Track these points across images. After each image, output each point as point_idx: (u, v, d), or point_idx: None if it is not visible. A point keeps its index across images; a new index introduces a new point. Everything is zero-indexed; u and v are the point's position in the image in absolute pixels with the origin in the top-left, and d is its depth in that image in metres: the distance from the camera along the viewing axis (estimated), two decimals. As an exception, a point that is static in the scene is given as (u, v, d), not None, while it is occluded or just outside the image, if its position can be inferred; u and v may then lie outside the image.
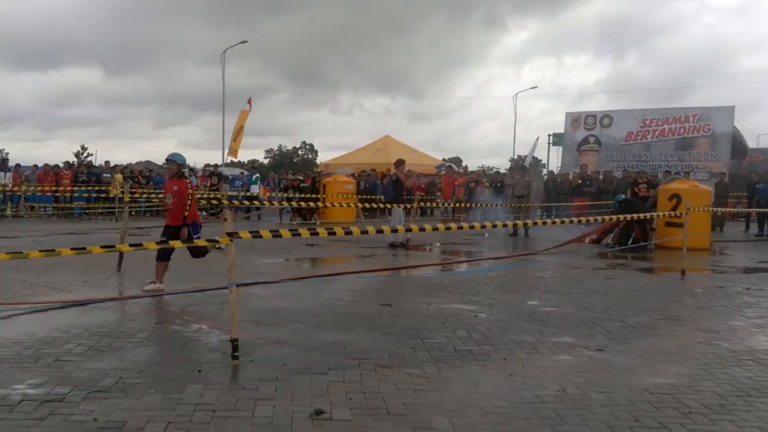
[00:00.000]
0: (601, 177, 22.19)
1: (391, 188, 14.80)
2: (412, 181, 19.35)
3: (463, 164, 46.35)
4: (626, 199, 16.19)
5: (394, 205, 14.28)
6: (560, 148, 34.30)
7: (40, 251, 4.88)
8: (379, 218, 23.05)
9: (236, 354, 5.20)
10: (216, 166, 27.76)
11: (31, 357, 5.24)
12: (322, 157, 75.71)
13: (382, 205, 20.12)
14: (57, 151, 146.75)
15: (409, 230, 7.70)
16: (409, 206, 15.19)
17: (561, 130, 32.60)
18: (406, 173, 16.25)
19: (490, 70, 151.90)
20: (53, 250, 4.93)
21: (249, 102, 34.55)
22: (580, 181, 21.40)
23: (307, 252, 13.61)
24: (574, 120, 30.17)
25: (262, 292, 8.41)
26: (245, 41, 41.45)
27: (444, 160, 37.31)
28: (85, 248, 4.80)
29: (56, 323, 6.43)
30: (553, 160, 47.01)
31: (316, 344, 5.83)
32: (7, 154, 54.91)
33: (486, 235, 18.20)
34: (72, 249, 4.80)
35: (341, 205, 19.47)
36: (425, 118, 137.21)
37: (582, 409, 4.34)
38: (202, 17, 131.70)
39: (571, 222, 10.28)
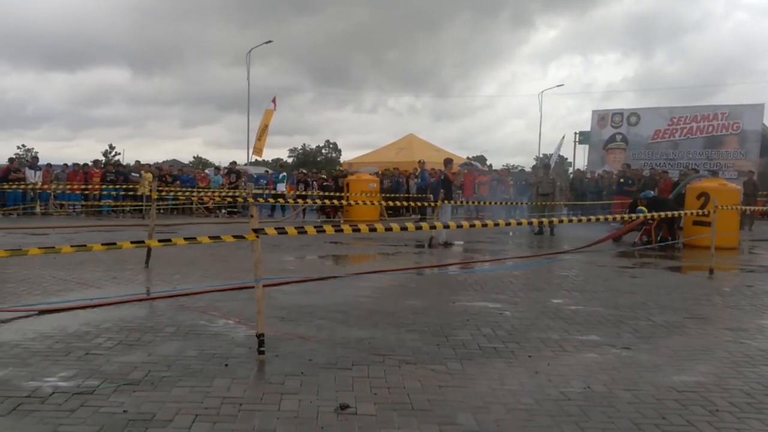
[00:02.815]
0: (646, 173, 21.89)
1: (440, 187, 14.82)
2: (460, 179, 19.33)
3: (488, 163, 46.27)
4: (655, 197, 16.00)
5: (445, 202, 14.29)
6: (586, 146, 34.06)
7: (71, 246, 4.97)
8: (403, 217, 23.11)
9: (262, 349, 5.25)
10: (234, 163, 27.88)
11: (61, 351, 5.34)
12: (346, 156, 75.88)
13: (405, 204, 20.20)
14: (85, 150, 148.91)
15: (433, 227, 7.70)
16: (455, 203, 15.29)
17: (587, 128, 32.33)
18: (454, 172, 16.25)
19: (515, 68, 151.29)
20: (84, 245, 5.02)
21: (274, 101, 34.79)
22: (621, 180, 21.19)
23: (331, 249, 13.66)
24: (601, 118, 29.93)
25: (287, 289, 8.47)
26: (270, 41, 41.90)
27: (468, 158, 37.18)
28: (115, 243, 4.88)
29: (87, 318, 6.55)
30: (579, 159, 46.69)
31: (341, 340, 5.87)
32: (37, 153, 55.84)
33: (511, 233, 18.15)
34: (102, 244, 4.89)
35: (365, 203, 19.48)
36: (450, 116, 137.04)
37: (608, 407, 4.33)
38: (229, 17, 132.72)
39: (597, 220, 10.23)
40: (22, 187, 21.83)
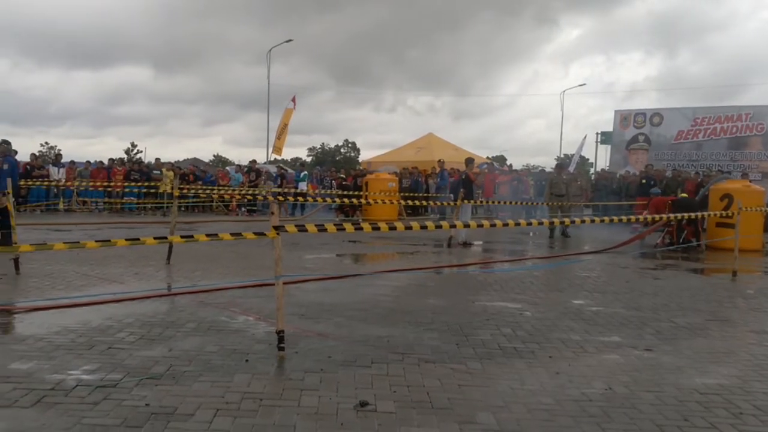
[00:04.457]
0: (668, 174, 21.69)
1: (461, 186, 14.79)
2: (481, 179, 19.26)
3: (508, 162, 46.06)
4: (681, 198, 15.81)
5: (465, 202, 14.26)
6: (608, 146, 33.82)
7: (96, 241, 5.03)
8: (423, 216, 23.08)
9: (282, 345, 5.27)
10: (254, 162, 28.03)
11: (85, 344, 5.39)
12: (365, 155, 75.94)
13: (425, 203, 20.17)
14: (108, 148, 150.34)
15: (453, 226, 7.68)
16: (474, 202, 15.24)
17: (609, 128, 32.13)
18: (475, 172, 16.22)
19: (537, 66, 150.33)
20: (108, 241, 5.07)
21: (293, 100, 34.90)
22: (644, 181, 21.01)
23: (350, 248, 13.68)
24: (623, 118, 29.71)
25: (307, 286, 8.49)
26: (290, 40, 41.97)
27: (488, 158, 37.06)
28: (138, 239, 4.93)
29: (109, 313, 6.62)
30: (601, 159, 46.33)
31: (360, 338, 5.88)
32: (60, 150, 56.46)
33: (531, 234, 18.07)
34: (126, 239, 4.94)
35: (384, 202, 19.48)
36: (470, 115, 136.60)
37: (630, 408, 4.29)
38: (251, 16, 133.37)
39: (611, 221, 10.14)
40: (46, 183, 22.09)
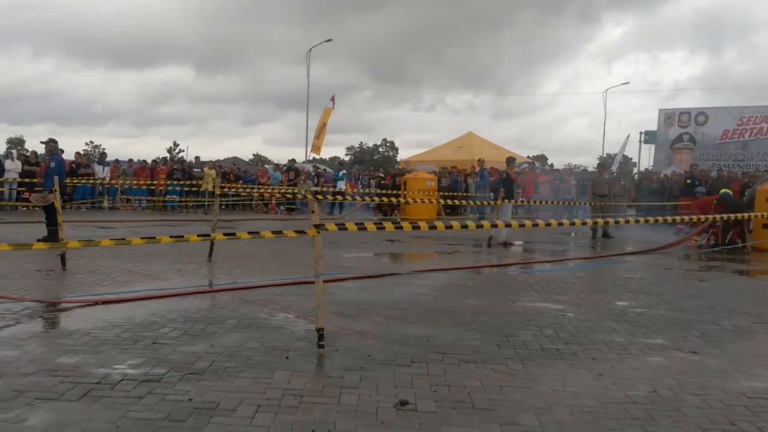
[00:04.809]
0: (714, 174, 21.26)
1: (501, 185, 14.70)
2: (522, 178, 19.11)
3: (549, 162, 45.60)
4: (729, 198, 15.43)
5: (505, 201, 14.17)
6: (652, 146, 33.27)
7: (141, 238, 5.11)
8: (461, 216, 22.98)
9: (321, 343, 5.30)
10: (293, 161, 28.26)
11: (129, 339, 5.49)
12: (403, 154, 75.94)
13: (464, 203, 20.09)
14: (150, 147, 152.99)
15: (494, 225, 7.63)
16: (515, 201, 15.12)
17: (653, 127, 31.59)
18: (516, 171, 16.11)
19: (579, 65, 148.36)
20: (153, 237, 5.16)
21: (332, 99, 35.07)
22: (689, 181, 20.62)
23: (389, 247, 13.67)
24: (668, 117, 29.22)
25: (345, 285, 8.51)
26: (330, 39, 42.06)
27: (529, 157, 36.73)
28: (182, 236, 5.00)
29: (153, 308, 6.73)
30: (644, 159, 45.53)
31: (399, 337, 5.87)
32: (104, 149, 57.51)
33: (572, 234, 17.86)
34: (171, 237, 5.01)
35: (423, 201, 19.44)
36: (510, 114, 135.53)
37: (674, 411, 4.21)
38: (291, 17, 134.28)
39: (656, 221, 9.96)
40: (91, 181, 22.56)
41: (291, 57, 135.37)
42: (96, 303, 6.91)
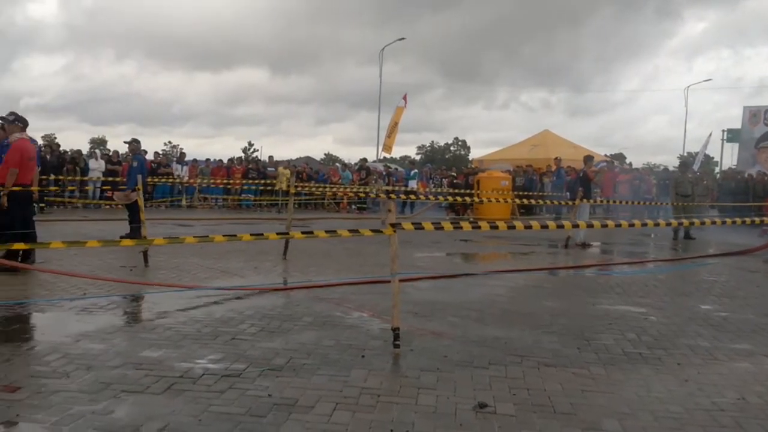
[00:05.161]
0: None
1: (578, 185, 14.40)
2: (600, 177, 18.68)
3: (627, 161, 44.41)
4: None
5: (583, 201, 13.88)
6: (735, 144, 31.97)
7: (223, 236, 5.20)
8: (537, 215, 22.61)
9: (397, 343, 5.27)
10: (364, 160, 28.45)
11: (210, 335, 5.60)
12: (475, 153, 75.31)
13: (539, 202, 19.75)
14: (225, 147, 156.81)
15: (576, 226, 7.44)
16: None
17: (736, 125, 30.36)
18: (593, 170, 15.76)
19: (659, 61, 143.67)
20: (234, 235, 5.24)
21: (404, 98, 35.01)
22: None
23: (462, 247, 13.56)
24: (753, 115, 28.01)
25: (419, 284, 8.47)
26: (403, 38, 42.03)
27: (606, 156, 35.79)
28: (262, 234, 5.06)
29: (231, 305, 6.85)
30: (727, 158, 43.78)
31: (475, 338, 5.79)
32: (182, 149, 59.16)
33: (652, 235, 17.32)
34: (251, 234, 5.08)
35: (497, 201, 19.20)
36: (586, 112, 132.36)
37: (765, 419, 4.01)
38: (364, 17, 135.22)
39: (743, 222, 9.51)
40: (171, 180, 23.24)
41: (363, 57, 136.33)
42: (177, 298, 7.07)
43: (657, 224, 7.10)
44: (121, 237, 11.45)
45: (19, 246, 7.37)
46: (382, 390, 4.36)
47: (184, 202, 23.42)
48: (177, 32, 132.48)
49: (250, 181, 23.96)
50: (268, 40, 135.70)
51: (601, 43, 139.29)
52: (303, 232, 5.54)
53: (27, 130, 9.15)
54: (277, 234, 5.35)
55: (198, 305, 6.82)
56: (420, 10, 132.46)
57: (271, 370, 4.67)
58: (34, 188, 9.54)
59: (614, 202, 19.02)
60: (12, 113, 9.04)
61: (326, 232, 5.35)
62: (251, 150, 73.68)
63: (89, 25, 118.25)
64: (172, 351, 5.10)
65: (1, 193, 8.57)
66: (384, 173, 26.30)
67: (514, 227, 6.33)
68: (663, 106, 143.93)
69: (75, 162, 21.45)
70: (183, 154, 27.55)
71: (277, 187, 23.38)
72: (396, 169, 31.29)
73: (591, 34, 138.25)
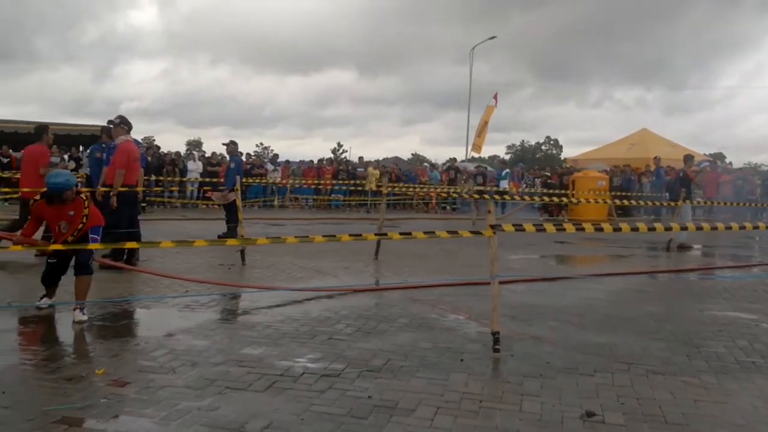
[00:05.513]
0: None
1: (679, 185, 13.85)
2: (701, 177, 17.91)
3: (727, 160, 42.39)
4: None
5: (686, 202, 13.33)
6: None
7: (322, 236, 5.24)
8: (634, 217, 21.84)
9: (497, 347, 5.16)
10: (453, 159, 28.39)
11: (308, 334, 5.65)
12: (567, 153, 73.63)
13: (640, 203, 19.05)
14: (314, 148, 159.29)
15: (684, 228, 7.12)
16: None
17: None
18: (694, 170, 15.11)
19: (761, 57, 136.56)
20: (334, 236, 5.26)
21: (495, 97, 34.62)
22: None
23: (558, 249, 13.24)
24: None
25: (515, 287, 8.28)
26: (493, 37, 41.56)
27: (706, 155, 34.26)
28: (360, 235, 5.07)
29: (327, 304, 6.91)
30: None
31: (577, 344, 5.60)
32: (273, 150, 60.54)
33: (757, 238, 16.42)
34: (350, 235, 5.09)
35: (595, 202, 18.61)
36: (684, 110, 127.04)
37: None
38: (453, 16, 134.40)
39: None
40: (264, 181, 23.77)
41: (452, 56, 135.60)
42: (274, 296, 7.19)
43: (756, 227, 6.70)
44: (219, 236, 11.77)
45: (132, 245, 7.66)
46: (484, 395, 4.26)
47: (276, 202, 23.91)
48: (269, 36, 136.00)
49: (340, 182, 24.23)
50: (357, 42, 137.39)
51: (698, 38, 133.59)
52: (400, 233, 5.50)
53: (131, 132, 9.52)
54: (376, 235, 5.34)
55: (294, 304, 6.91)
56: (510, 8, 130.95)
57: (370, 372, 4.65)
58: (139, 188, 9.91)
59: (716, 203, 18.13)
60: (119, 117, 9.43)
61: (424, 233, 5.30)
62: (340, 151, 74.60)
63: (186, 31, 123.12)
64: (272, 349, 5.17)
65: (111, 193, 8.95)
66: (475, 173, 26.05)
67: (619, 229, 6.09)
68: (764, 103, 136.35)
69: (174, 163, 22.31)
70: (276, 156, 28.18)
71: (366, 188, 23.55)
72: (485, 168, 30.97)
73: (687, 29, 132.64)
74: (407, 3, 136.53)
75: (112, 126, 9.65)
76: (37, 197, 6.09)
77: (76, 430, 3.60)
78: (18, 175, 18.13)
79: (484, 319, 6.20)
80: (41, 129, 9.74)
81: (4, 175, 17.91)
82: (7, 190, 15.21)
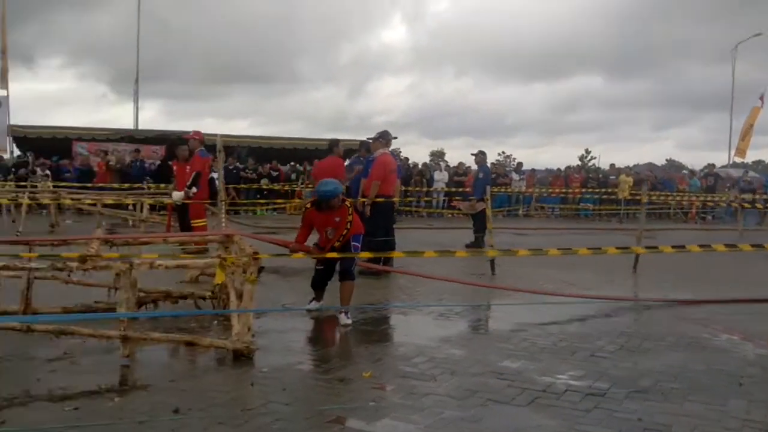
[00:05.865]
0: None
1: None
2: None
3: None
4: None
5: None
6: None
7: (587, 248, 5.09)
8: None
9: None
10: (712, 165, 26.12)
11: (566, 349, 5.50)
12: None
13: None
14: (555, 156, 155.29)
15: None
16: None
17: None
18: None
19: None
20: (599, 248, 5.09)
21: (761, 98, 31.24)
22: None
23: None
24: None
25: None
26: (759, 34, 37.55)
27: None
28: (628, 248, 4.84)
29: (585, 319, 6.69)
30: None
31: None
32: (515, 159, 60.16)
33: None
34: (617, 248, 4.89)
35: None
36: None
37: None
38: (712, 12, 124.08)
39: None
40: (509, 191, 23.70)
41: (710, 55, 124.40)
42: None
43: None
44: (466, 245, 11.95)
45: (397, 254, 8.11)
46: (766, 424, 3.84)
47: (520, 212, 23.71)
48: (510, 46, 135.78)
49: (590, 190, 23.40)
50: (603, 45, 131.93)
51: None
52: (674, 247, 5.16)
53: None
54: (646, 248, 5.06)
55: (550, 318, 6.72)
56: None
57: (637, 393, 4.40)
58: (395, 198, 10.39)
59: None
60: (379, 132, 9.97)
61: (700, 246, 4.92)
62: (588, 157, 72.13)
63: (432, 46, 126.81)
64: (531, 363, 5.10)
65: (366, 203, 9.48)
66: (740, 180, 23.78)
67: None
68: None
69: (422, 174, 23.12)
70: (520, 164, 27.93)
71: (619, 196, 22.46)
72: (746, 172, 28.11)
73: None
74: (658, 1, 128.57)
75: (370, 141, 10.24)
76: (308, 205, 6.63)
77: (349, 430, 3.78)
78: (286, 187, 20.33)
79: (762, 339, 5.64)
80: (333, 143, 10.61)
81: (275, 187, 19.84)
82: (279, 201, 16.80)
